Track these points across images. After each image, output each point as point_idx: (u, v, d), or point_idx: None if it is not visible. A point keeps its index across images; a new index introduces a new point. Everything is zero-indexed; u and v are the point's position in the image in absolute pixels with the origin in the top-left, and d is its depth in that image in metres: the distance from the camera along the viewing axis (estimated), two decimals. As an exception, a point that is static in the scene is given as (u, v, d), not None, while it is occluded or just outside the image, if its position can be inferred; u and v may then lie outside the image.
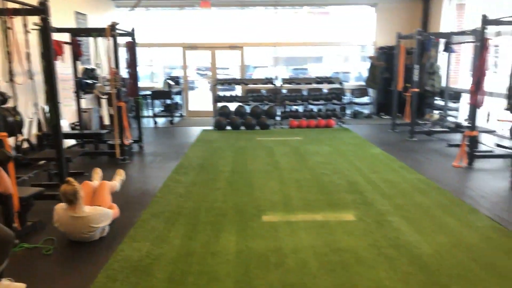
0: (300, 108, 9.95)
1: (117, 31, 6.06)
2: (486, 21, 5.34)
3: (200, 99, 12.39)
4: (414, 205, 4.17)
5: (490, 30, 5.70)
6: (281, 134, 8.51)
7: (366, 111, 10.90)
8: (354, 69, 12.60)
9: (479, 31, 5.40)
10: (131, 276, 2.85)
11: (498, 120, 6.54)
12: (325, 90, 10.12)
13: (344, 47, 12.23)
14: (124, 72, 6.68)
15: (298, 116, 9.43)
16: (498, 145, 6.40)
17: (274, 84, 9.74)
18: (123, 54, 6.54)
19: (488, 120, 7.27)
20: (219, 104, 9.57)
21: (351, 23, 11.45)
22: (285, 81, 10.03)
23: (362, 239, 3.39)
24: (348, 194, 4.53)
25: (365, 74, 10.63)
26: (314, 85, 10.11)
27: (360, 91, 11.05)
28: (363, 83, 10.88)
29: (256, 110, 9.33)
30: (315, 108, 9.94)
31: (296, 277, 2.80)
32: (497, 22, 5.43)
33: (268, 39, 11.10)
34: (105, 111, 8.74)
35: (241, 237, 3.46)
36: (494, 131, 6.84)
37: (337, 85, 9.83)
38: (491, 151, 6.21)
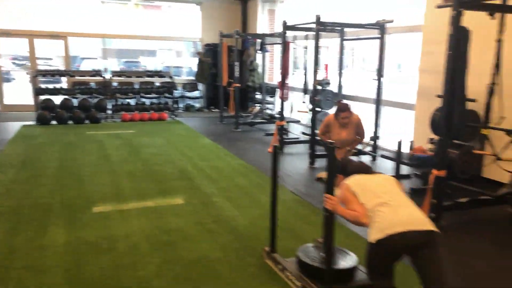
0: (132, 101, 9.92)
1: None
2: (285, 27, 6.32)
3: (18, 92, 11.14)
4: (235, 186, 4.79)
5: (290, 34, 6.66)
6: (113, 127, 8.39)
7: (197, 104, 11.47)
8: (186, 64, 13.07)
9: (282, 34, 6.36)
10: None
11: (298, 111, 7.81)
12: (157, 84, 10.29)
13: (175, 42, 12.54)
14: None
15: (131, 109, 9.41)
16: (303, 133, 7.63)
17: (103, 77, 9.48)
18: None
19: (291, 111, 8.57)
20: (42, 97, 8.86)
21: (181, 19, 11.82)
22: (115, 73, 9.85)
23: (189, 219, 3.79)
24: (179, 181, 4.91)
25: (195, 69, 11.15)
26: (146, 79, 10.19)
27: (191, 86, 11.54)
28: (194, 78, 11.40)
29: (84, 103, 8.95)
30: (147, 102, 10.04)
31: (128, 259, 3.02)
32: (293, 28, 6.47)
33: (96, 30, 10.66)
34: None
35: (70, 229, 3.49)
36: (299, 121, 8.12)
37: (168, 79, 10.12)
38: (297, 138, 7.39)
